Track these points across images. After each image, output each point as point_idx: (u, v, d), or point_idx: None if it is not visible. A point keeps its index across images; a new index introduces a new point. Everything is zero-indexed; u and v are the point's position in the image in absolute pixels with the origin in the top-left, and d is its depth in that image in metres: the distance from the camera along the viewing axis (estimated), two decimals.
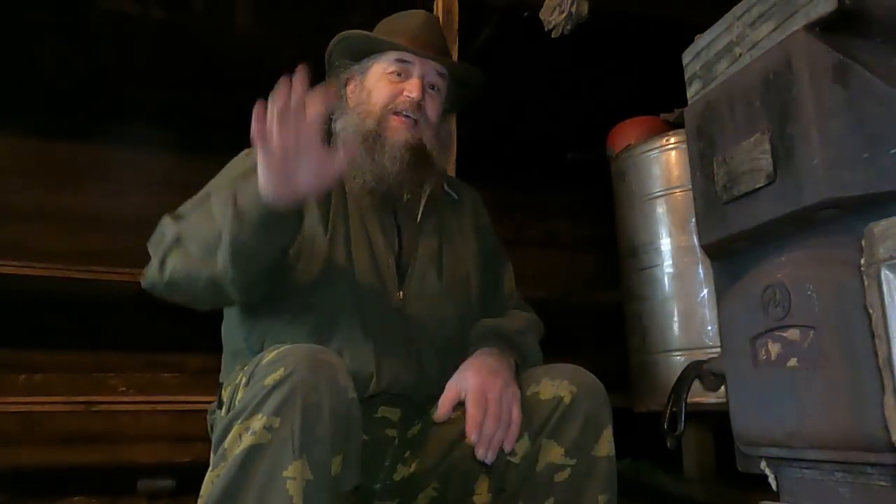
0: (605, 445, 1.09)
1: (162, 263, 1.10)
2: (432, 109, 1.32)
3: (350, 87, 1.35)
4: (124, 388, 2.88)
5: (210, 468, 0.91)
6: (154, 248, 1.13)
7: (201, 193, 1.23)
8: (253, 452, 0.86)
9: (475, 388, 1.09)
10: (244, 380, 0.97)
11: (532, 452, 1.08)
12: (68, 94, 2.95)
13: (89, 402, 2.37)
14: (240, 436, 0.88)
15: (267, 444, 0.86)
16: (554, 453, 1.07)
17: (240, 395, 0.96)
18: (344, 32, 1.36)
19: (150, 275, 1.13)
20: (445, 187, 1.40)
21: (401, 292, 1.23)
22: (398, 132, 1.26)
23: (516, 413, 1.08)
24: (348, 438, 0.93)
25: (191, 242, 1.07)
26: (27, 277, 2.41)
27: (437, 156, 1.31)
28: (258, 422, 0.87)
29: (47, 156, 2.97)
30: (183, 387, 2.89)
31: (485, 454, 1.06)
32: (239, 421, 0.89)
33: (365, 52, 1.35)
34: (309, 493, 0.85)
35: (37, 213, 2.91)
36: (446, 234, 1.35)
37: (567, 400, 1.08)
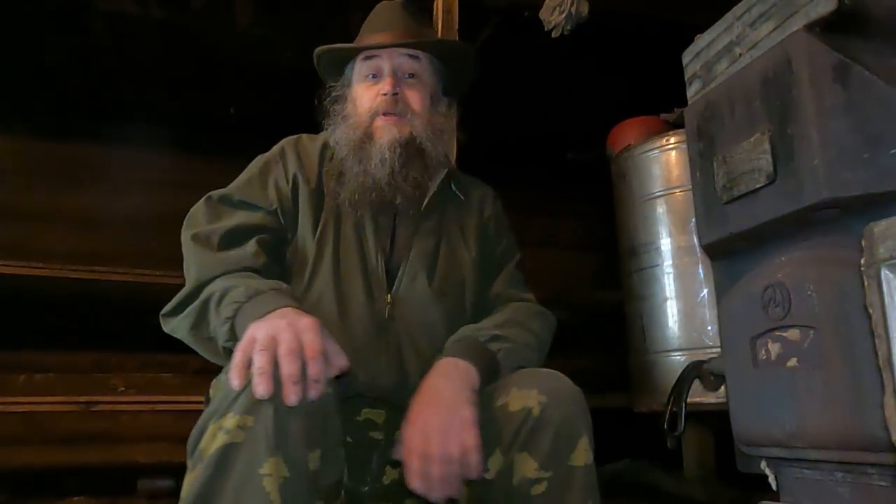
0: (582, 454, 1.04)
1: (173, 315, 1.15)
2: (415, 98, 1.29)
3: (348, 102, 1.35)
4: (124, 388, 2.89)
5: (188, 470, 0.90)
6: (185, 269, 1.16)
7: (224, 197, 1.24)
8: (227, 451, 0.85)
9: (410, 435, 1.02)
10: (224, 376, 0.97)
11: (506, 467, 1.05)
12: (68, 94, 2.95)
13: (89, 402, 2.37)
14: (214, 435, 0.87)
15: (241, 443, 0.85)
16: (528, 467, 1.03)
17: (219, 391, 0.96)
18: (318, 50, 1.36)
19: (166, 313, 1.16)
20: (452, 187, 1.36)
21: (389, 295, 1.21)
22: (384, 131, 1.25)
23: (470, 440, 1.00)
24: (325, 433, 0.92)
25: (199, 320, 1.11)
26: (27, 277, 2.41)
27: (431, 147, 1.27)
28: (231, 421, 0.86)
29: (47, 156, 2.98)
30: (183, 387, 2.89)
31: (441, 496, 0.99)
32: (213, 421, 0.88)
33: (342, 64, 1.36)
34: (286, 490, 0.85)
35: (37, 213, 2.91)
36: (445, 235, 1.31)
37: (536, 411, 1.03)
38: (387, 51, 1.29)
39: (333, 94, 1.36)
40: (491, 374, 1.13)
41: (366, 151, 1.24)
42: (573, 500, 1.03)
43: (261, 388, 0.86)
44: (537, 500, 1.03)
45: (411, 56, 1.30)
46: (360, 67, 1.32)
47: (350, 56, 1.34)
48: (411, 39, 1.31)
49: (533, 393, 1.06)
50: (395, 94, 1.26)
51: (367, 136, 1.26)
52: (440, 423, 1.01)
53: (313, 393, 0.89)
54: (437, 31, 2.04)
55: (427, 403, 1.04)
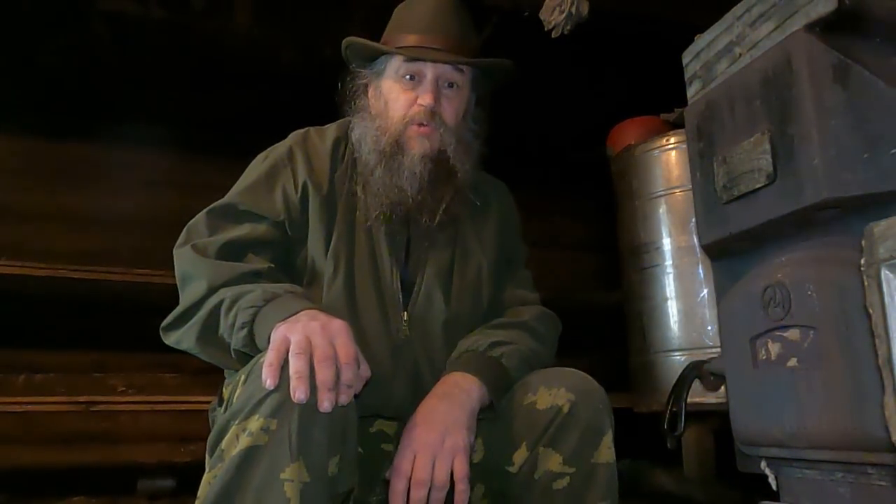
0: (605, 452, 1.06)
1: (176, 327, 1.13)
2: (450, 111, 1.23)
3: (371, 92, 1.28)
4: (124, 388, 2.88)
5: (207, 469, 0.90)
6: (181, 284, 1.13)
7: (227, 207, 1.20)
8: (250, 454, 0.86)
9: (400, 456, 1.01)
10: (243, 377, 0.97)
11: (530, 461, 1.06)
12: (68, 94, 2.95)
13: (89, 402, 2.37)
14: (237, 437, 0.87)
15: (264, 446, 0.86)
16: (552, 461, 1.05)
17: (238, 392, 0.96)
18: (348, 39, 1.29)
19: (167, 325, 1.15)
20: (469, 193, 1.30)
21: (405, 313, 1.18)
22: (417, 143, 1.20)
23: (460, 468, 1.00)
24: (345, 440, 0.92)
25: (207, 328, 1.09)
26: (27, 277, 2.41)
27: (460, 166, 1.22)
28: (255, 423, 0.86)
29: (47, 156, 2.97)
30: (183, 387, 2.89)
31: None
32: (236, 422, 0.88)
33: (375, 54, 1.28)
34: (306, 495, 0.85)
35: (37, 213, 2.91)
36: (461, 246, 1.27)
37: (565, 409, 1.05)
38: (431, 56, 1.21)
39: (359, 80, 1.29)
40: (501, 380, 1.12)
41: (397, 162, 1.19)
42: (593, 496, 1.04)
43: (299, 392, 0.86)
44: (558, 494, 1.04)
45: (456, 68, 1.23)
46: (397, 65, 1.23)
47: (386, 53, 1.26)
48: (458, 45, 1.23)
49: (561, 391, 1.07)
50: (433, 107, 1.20)
51: (399, 147, 1.20)
52: (431, 448, 1.00)
53: (344, 398, 0.89)
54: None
55: (421, 426, 1.03)
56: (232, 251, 1.14)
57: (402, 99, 1.22)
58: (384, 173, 1.20)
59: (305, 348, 0.89)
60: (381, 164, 1.20)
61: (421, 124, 1.20)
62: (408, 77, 1.22)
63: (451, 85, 1.23)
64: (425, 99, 1.20)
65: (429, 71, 1.21)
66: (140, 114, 3.02)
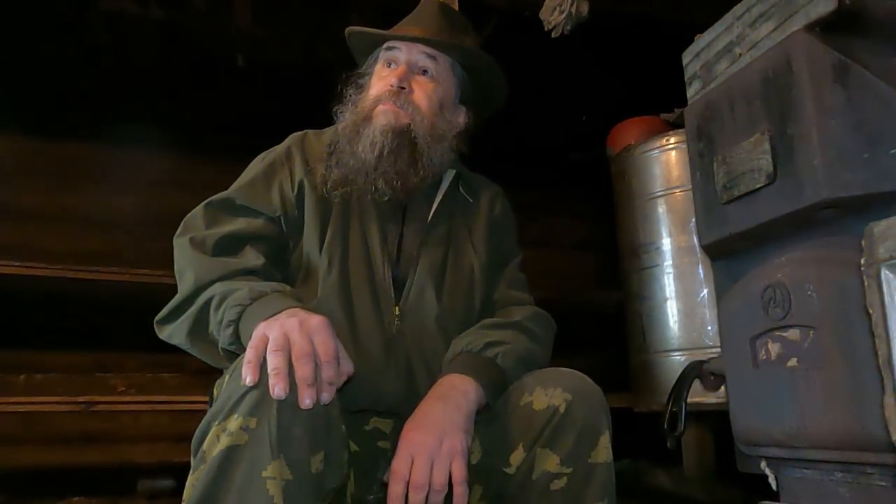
0: (603, 452, 1.05)
1: (169, 321, 1.14)
2: (422, 95, 1.26)
3: (364, 89, 1.34)
4: (124, 388, 2.88)
5: (191, 471, 0.90)
6: (178, 276, 1.14)
7: (225, 201, 1.22)
8: (231, 454, 0.85)
9: (397, 460, 1.00)
10: (227, 377, 0.97)
11: (527, 462, 1.06)
12: (68, 94, 2.95)
13: (89, 402, 2.37)
14: (217, 437, 0.87)
15: (244, 445, 0.85)
16: (550, 462, 1.04)
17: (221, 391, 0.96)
18: (349, 29, 1.34)
19: (161, 319, 1.15)
20: (461, 189, 1.35)
21: (397, 308, 1.19)
22: (382, 117, 1.23)
23: (458, 471, 0.99)
24: (329, 436, 0.92)
25: (197, 324, 1.10)
26: (27, 277, 2.41)
27: (424, 144, 1.24)
28: (234, 422, 0.86)
29: (47, 156, 2.98)
30: (183, 387, 2.89)
31: None
32: (216, 422, 0.88)
33: (370, 50, 1.35)
34: (289, 493, 0.85)
35: (37, 213, 2.91)
36: (454, 243, 1.29)
37: (562, 409, 1.05)
38: (406, 44, 1.27)
39: (356, 81, 1.35)
40: (497, 380, 1.12)
41: (358, 134, 1.23)
42: (591, 496, 1.04)
43: (278, 388, 0.85)
44: (556, 494, 1.04)
45: (429, 55, 1.28)
46: (382, 56, 1.31)
47: (377, 44, 1.33)
48: (436, 35, 1.28)
49: (558, 391, 1.07)
50: (401, 87, 1.24)
51: (365, 121, 1.24)
52: (429, 451, 1.00)
53: (326, 396, 0.89)
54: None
55: (418, 428, 1.02)
56: (229, 245, 1.15)
57: (379, 83, 1.29)
58: (345, 144, 1.24)
59: (283, 345, 0.89)
60: (344, 137, 1.24)
61: (388, 102, 1.24)
62: (388, 65, 1.30)
63: (424, 72, 1.28)
64: (392, 78, 1.26)
65: (402, 55, 1.28)
66: (140, 114, 3.02)
